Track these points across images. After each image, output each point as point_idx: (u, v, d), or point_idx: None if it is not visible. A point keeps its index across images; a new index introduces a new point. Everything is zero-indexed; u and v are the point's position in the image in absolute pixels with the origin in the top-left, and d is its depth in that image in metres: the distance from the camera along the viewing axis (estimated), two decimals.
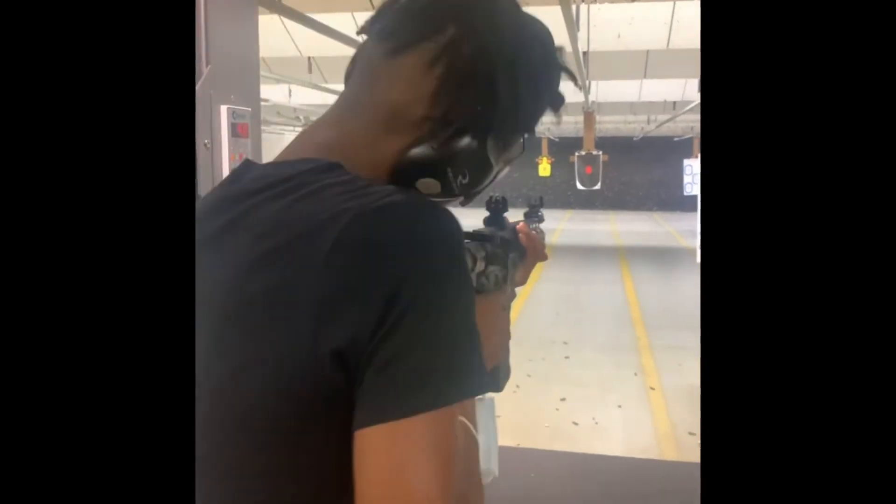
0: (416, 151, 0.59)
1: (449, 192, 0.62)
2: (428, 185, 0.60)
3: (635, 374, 4.70)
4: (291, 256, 0.51)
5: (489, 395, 0.73)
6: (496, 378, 0.75)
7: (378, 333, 0.48)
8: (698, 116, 10.15)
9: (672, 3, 4.06)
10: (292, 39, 4.84)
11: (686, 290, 7.74)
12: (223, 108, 1.52)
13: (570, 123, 11.66)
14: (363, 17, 0.66)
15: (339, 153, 0.59)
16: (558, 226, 15.55)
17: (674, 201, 18.37)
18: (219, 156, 1.52)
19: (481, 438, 0.63)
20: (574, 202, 19.56)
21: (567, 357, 5.07)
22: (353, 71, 0.65)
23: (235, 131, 1.53)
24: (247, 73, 1.65)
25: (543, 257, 0.90)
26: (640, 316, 6.46)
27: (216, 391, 0.53)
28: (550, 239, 12.69)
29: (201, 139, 1.46)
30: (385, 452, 0.48)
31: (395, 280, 0.49)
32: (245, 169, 0.63)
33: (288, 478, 0.52)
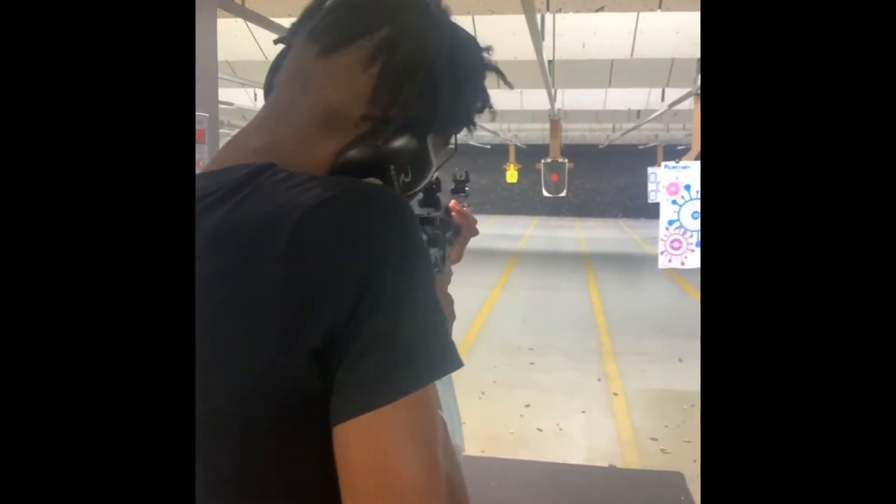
0: (357, 151, 0.58)
1: None
2: None
3: (599, 380, 4.74)
4: (245, 264, 0.50)
5: None
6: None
7: (351, 325, 0.48)
8: (662, 125, 10.33)
9: (635, 13, 4.12)
10: (257, 43, 4.79)
11: (649, 296, 7.85)
12: None
13: (537, 131, 11.75)
14: None
15: (272, 157, 0.57)
16: (525, 232, 15.64)
17: (638, 208, 18.62)
18: None
19: (445, 416, 0.63)
20: (541, 209, 19.70)
21: (532, 363, 5.09)
22: (278, 77, 0.63)
23: None
24: (205, 77, 1.62)
25: (475, 233, 0.90)
26: (605, 322, 6.52)
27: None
28: (517, 245, 12.77)
29: None
30: (370, 443, 0.47)
31: (361, 270, 0.48)
32: None
33: (275, 481, 0.51)
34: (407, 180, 0.60)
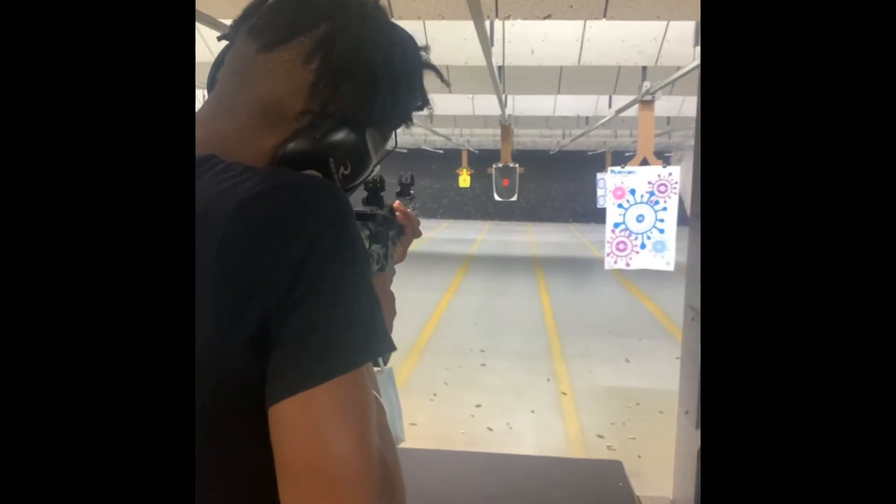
0: (297, 144, 0.59)
1: None
2: None
3: (548, 381, 4.82)
4: None
5: (388, 366, 0.76)
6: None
7: (284, 310, 0.49)
8: (610, 132, 10.54)
9: (582, 22, 4.22)
10: (206, 44, 4.74)
11: (597, 299, 8.01)
12: None
13: (490, 136, 11.86)
14: None
15: (213, 149, 0.58)
16: (478, 236, 15.74)
17: (588, 213, 18.94)
18: None
19: (386, 406, 0.66)
20: (494, 213, 19.86)
21: (483, 364, 5.15)
22: (220, 72, 0.65)
23: None
24: None
25: (418, 234, 0.93)
26: (554, 324, 6.63)
27: None
28: (470, 249, 12.84)
29: None
30: (301, 422, 0.49)
31: (295, 257, 0.50)
32: None
33: (213, 461, 0.52)
34: (346, 173, 0.62)
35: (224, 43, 0.69)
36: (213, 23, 2.72)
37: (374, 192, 0.84)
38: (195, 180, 0.53)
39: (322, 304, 0.50)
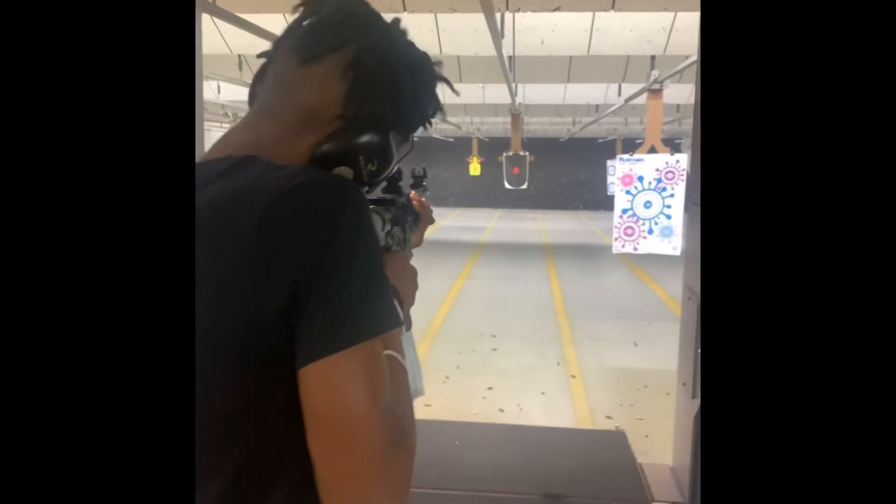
0: (332, 144, 0.70)
1: (359, 179, 0.73)
2: (342, 172, 0.71)
3: (558, 364, 4.93)
4: (222, 240, 0.60)
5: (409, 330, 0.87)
6: (408, 318, 0.88)
7: (310, 286, 0.58)
8: (621, 119, 10.56)
9: (591, 13, 4.29)
10: (223, 38, 4.83)
11: (606, 284, 8.08)
12: None
13: (500, 124, 11.89)
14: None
15: (256, 150, 0.68)
16: (489, 224, 15.80)
17: (598, 201, 18.93)
18: None
19: (406, 364, 0.74)
20: (504, 201, 19.86)
21: (495, 349, 5.26)
22: (262, 86, 0.76)
23: None
24: None
25: (432, 220, 1.05)
26: (564, 309, 6.73)
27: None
28: (481, 237, 12.91)
29: None
30: (325, 383, 0.58)
31: (320, 241, 0.59)
32: None
33: (253, 412, 0.61)
34: (373, 169, 0.73)
35: (261, 60, 0.80)
36: (232, 18, 2.81)
37: (393, 181, 0.94)
38: (240, 175, 0.63)
39: (343, 281, 0.59)
